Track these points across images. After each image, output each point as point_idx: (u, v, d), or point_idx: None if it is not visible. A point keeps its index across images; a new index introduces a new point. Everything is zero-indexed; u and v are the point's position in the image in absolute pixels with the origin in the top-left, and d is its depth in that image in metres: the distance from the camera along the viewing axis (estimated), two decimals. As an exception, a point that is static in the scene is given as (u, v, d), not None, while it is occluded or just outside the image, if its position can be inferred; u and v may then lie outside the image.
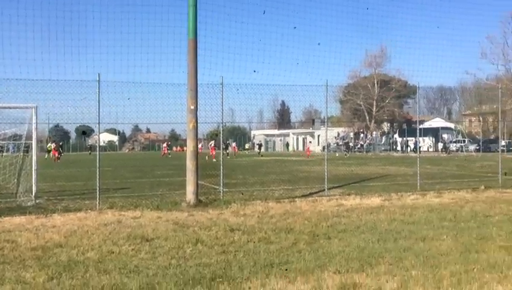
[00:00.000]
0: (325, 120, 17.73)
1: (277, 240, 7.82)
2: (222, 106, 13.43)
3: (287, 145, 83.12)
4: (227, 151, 47.21)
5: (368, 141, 70.20)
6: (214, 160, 34.94)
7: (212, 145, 40.72)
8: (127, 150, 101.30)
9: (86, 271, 5.98)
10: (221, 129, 14.63)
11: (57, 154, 39.02)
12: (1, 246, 7.46)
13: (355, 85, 70.47)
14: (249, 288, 5.19)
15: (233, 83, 14.60)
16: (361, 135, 74.05)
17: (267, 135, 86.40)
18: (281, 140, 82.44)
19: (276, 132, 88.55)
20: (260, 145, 63.70)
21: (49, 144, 41.03)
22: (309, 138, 76.35)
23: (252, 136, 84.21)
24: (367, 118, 74.00)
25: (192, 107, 12.68)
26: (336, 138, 74.93)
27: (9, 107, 13.84)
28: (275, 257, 6.66)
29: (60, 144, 57.92)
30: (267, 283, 5.35)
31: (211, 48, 14.58)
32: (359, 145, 67.30)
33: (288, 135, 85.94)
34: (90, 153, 56.30)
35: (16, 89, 12.92)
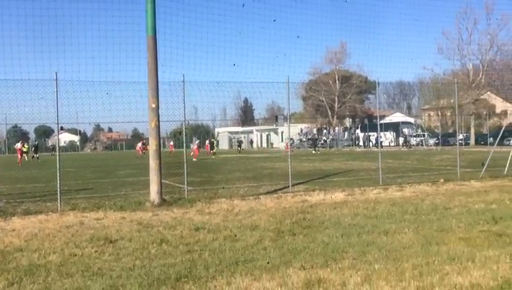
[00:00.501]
0: (288, 117, 17.81)
1: (242, 237, 7.84)
2: (184, 103, 13.31)
3: (251, 142, 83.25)
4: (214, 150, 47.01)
5: (330, 137, 71.06)
6: (195, 160, 34.84)
7: (196, 144, 41.06)
8: (89, 150, 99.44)
9: (48, 275, 5.84)
10: (184, 127, 14.52)
11: (20, 156, 36.91)
12: (-43, 252, 7.21)
13: (317, 81, 71.17)
14: (215, 287, 5.19)
15: (195, 80, 14.53)
16: (324, 131, 74.90)
17: (231, 132, 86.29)
18: (244, 137, 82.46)
19: (240, 129, 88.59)
20: (240, 143, 63.07)
21: (17, 144, 39.24)
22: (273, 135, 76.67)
23: (215, 133, 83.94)
24: (329, 113, 74.92)
25: (153, 106, 12.53)
26: (299, 134, 75.52)
27: (-36, 108, 13.36)
28: (240, 254, 6.67)
29: (36, 143, 55.82)
30: (232, 281, 5.36)
31: (171, 45, 14.39)
32: (322, 141, 67.99)
33: (251, 132, 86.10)
34: (52, 154, 54.70)
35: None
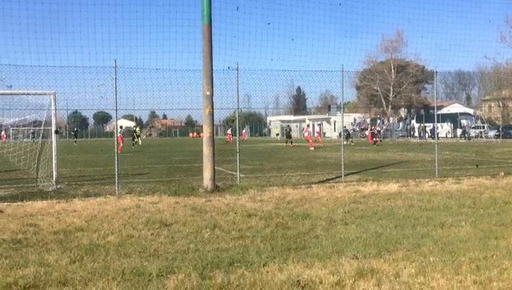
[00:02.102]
0: (341, 106, 17.60)
1: (294, 225, 7.86)
2: (238, 91, 13.44)
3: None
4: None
5: (384, 127, 69.64)
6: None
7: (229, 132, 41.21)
8: (144, 136, 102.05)
9: (107, 254, 6.08)
10: (237, 115, 14.63)
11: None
12: (24, 230, 7.61)
13: (372, 70, 69.71)
14: (267, 272, 5.23)
15: (249, 68, 14.60)
16: (378, 121, 73.46)
17: (283, 121, 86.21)
18: (296, 126, 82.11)
19: (292, 117, 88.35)
20: (289, 132, 60.95)
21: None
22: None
23: (268, 122, 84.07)
24: (384, 103, 73.32)
25: (208, 93, 12.70)
26: (352, 124, 74.44)
27: (29, 94, 14.01)
28: (292, 242, 6.70)
29: (75, 129, 58.78)
30: (284, 268, 5.39)
31: (226, 33, 14.51)
32: (376, 131, 66.69)
33: (304, 121, 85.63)
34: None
35: (35, 76, 13.10)
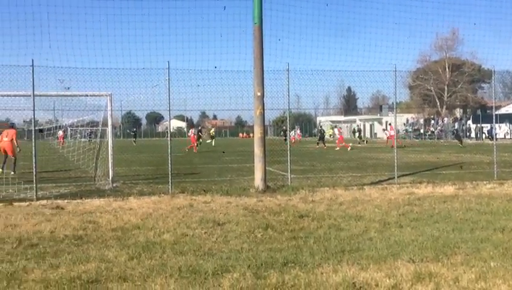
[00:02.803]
0: (394, 106, 17.26)
1: (347, 227, 7.78)
2: (288, 92, 13.43)
3: (354, 131, 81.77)
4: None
5: (439, 128, 67.69)
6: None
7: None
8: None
9: (163, 252, 6.23)
10: (288, 116, 14.63)
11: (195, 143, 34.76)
12: (84, 227, 7.91)
13: (425, 70, 67.88)
14: (321, 274, 5.21)
15: (299, 69, 14.58)
16: (432, 122, 71.48)
17: (333, 122, 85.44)
18: (347, 126, 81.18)
19: (342, 118, 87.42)
20: (359, 131, 58.61)
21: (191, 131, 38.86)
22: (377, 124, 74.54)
23: (317, 122, 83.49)
24: (438, 103, 71.27)
25: (258, 94, 12.76)
26: (404, 124, 72.81)
27: (87, 95, 14.53)
28: (346, 244, 6.63)
29: (134, 129, 60.18)
30: (339, 269, 5.35)
31: (276, 34, 14.56)
32: (429, 132, 64.92)
33: (354, 122, 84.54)
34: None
35: (92, 78, 13.61)
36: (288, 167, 13.67)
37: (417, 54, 67.23)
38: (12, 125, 17.96)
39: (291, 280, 4.98)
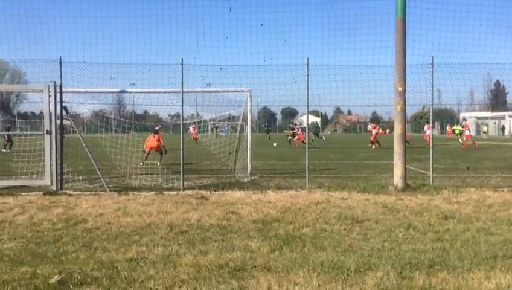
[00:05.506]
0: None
1: (498, 231, 7.22)
2: (432, 87, 12.89)
3: (503, 129, 75.30)
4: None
5: None
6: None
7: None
8: (329, 132, 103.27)
9: (304, 246, 6.32)
10: (431, 111, 13.95)
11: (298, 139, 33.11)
12: (227, 217, 8.33)
13: None
14: (472, 279, 4.90)
15: (443, 62, 13.81)
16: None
17: (478, 118, 79.53)
18: (494, 123, 75.02)
19: (489, 114, 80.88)
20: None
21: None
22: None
23: (460, 118, 78.33)
24: None
25: (400, 89, 12.32)
26: None
27: (228, 91, 15.23)
28: (498, 249, 6.15)
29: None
30: (492, 276, 4.99)
31: (420, 26, 13.85)
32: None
33: (503, 118, 77.74)
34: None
35: (230, 75, 14.23)
36: (431, 165, 13.06)
37: None
38: (156, 132, 19.64)
39: (439, 284, 4.76)
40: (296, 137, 33.01)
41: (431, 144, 13.20)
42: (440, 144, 35.84)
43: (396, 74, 12.39)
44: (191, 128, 39.18)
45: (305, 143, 14.06)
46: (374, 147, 31.60)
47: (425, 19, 13.00)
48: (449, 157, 23.70)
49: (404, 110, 12.43)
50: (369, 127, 37.12)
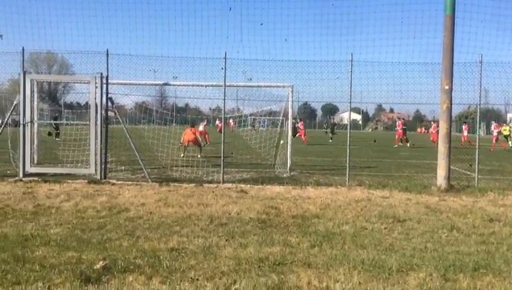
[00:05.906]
0: None
1: (548, 237, 6.96)
2: (480, 86, 12.56)
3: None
4: None
5: None
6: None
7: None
8: (370, 130, 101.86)
9: (344, 243, 6.27)
10: (479, 111, 13.54)
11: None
12: (267, 211, 8.35)
13: None
14: (519, 285, 4.76)
15: (493, 61, 13.38)
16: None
17: (523, 119, 76.66)
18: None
19: (537, 115, 77.94)
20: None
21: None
22: None
23: (508, 119, 75.81)
24: None
25: (446, 88, 12.03)
26: None
27: (270, 86, 15.20)
28: (548, 256, 5.94)
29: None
30: (540, 283, 4.82)
31: (470, 23, 13.44)
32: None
33: (553, 120, 74.78)
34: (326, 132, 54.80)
35: (273, 70, 14.20)
36: (476, 166, 12.73)
37: None
38: (193, 125, 19.82)
39: (484, 287, 4.64)
40: (298, 134, 32.71)
41: (477, 144, 12.82)
42: (485, 145, 34.73)
43: (443, 72, 12.10)
44: (231, 121, 39.47)
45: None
46: (400, 145, 31.08)
47: (475, 16, 12.62)
48: (495, 159, 22.98)
49: (450, 109, 12.12)
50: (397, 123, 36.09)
